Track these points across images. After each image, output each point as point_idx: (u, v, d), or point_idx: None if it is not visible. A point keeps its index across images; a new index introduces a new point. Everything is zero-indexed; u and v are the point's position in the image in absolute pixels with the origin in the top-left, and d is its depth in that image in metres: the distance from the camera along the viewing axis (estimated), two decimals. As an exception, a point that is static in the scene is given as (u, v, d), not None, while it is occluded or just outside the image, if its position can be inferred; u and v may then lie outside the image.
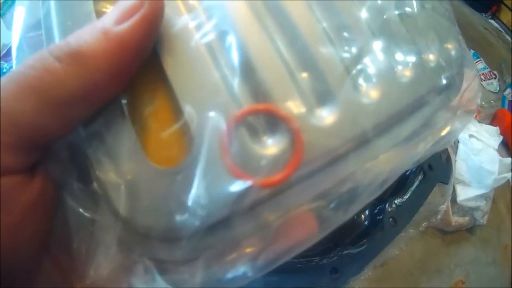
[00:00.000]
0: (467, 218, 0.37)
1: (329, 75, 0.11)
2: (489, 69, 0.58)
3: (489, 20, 0.73)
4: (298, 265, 0.24)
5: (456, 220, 0.37)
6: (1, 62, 0.43)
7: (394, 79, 0.12)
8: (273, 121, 0.10)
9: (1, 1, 0.45)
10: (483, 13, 0.73)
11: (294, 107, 0.10)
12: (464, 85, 0.14)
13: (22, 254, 0.09)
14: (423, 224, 0.33)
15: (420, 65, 0.12)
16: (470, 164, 0.37)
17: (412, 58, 0.12)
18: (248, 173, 0.10)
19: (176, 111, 0.10)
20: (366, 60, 0.11)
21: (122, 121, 0.10)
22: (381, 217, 0.28)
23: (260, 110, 0.10)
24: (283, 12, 0.11)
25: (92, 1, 0.11)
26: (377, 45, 0.12)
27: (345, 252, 0.25)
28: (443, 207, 0.34)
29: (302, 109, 0.10)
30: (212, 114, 0.10)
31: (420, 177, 0.32)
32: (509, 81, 0.60)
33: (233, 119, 0.10)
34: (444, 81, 0.13)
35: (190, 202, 0.09)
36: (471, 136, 0.39)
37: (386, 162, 0.11)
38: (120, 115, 0.10)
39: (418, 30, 0.13)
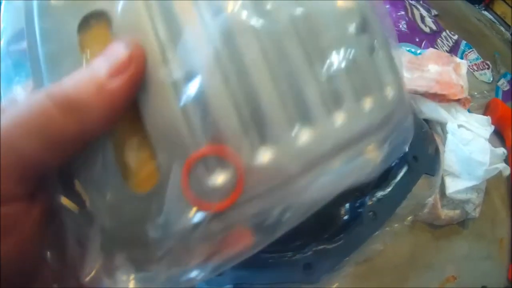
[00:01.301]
0: (457, 211, 0.36)
1: (272, 123, 0.13)
2: (481, 60, 0.57)
3: (483, 12, 0.72)
4: (269, 260, 0.23)
5: (446, 213, 0.35)
6: None
7: (328, 123, 0.14)
8: (221, 159, 0.13)
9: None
10: (476, 5, 0.71)
11: (240, 147, 0.13)
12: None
13: (24, 265, 0.12)
14: (409, 218, 0.32)
15: (354, 109, 0.14)
16: (460, 155, 0.36)
17: (347, 103, 0.14)
18: (201, 200, 0.13)
19: (149, 147, 0.13)
20: (306, 105, 0.14)
21: (106, 154, 0.13)
22: (361, 210, 0.26)
23: (212, 152, 0.13)
24: (243, 69, 0.13)
25: (76, 35, 0.14)
26: (315, 91, 0.14)
27: (320, 247, 0.23)
28: (430, 200, 0.33)
29: (247, 149, 0.13)
30: (176, 153, 0.13)
31: (404, 169, 0.30)
32: (503, 71, 0.58)
33: (192, 159, 0.13)
34: (377, 121, 0.15)
35: (159, 221, 0.13)
36: (460, 126, 0.38)
37: (315, 190, 0.14)
38: (104, 149, 0.13)
39: (359, 79, 0.15)
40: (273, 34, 0.14)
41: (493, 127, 0.39)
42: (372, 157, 0.15)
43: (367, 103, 0.15)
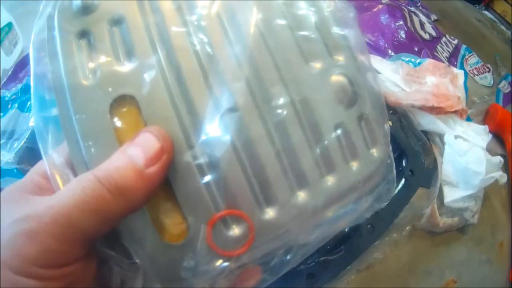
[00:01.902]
0: (456, 219, 0.38)
1: (276, 190, 0.17)
2: (482, 63, 0.57)
3: (483, 11, 0.72)
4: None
5: (445, 221, 0.37)
6: (3, 90, 0.44)
7: (321, 184, 0.18)
8: (237, 218, 0.17)
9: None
10: (476, 5, 0.72)
11: (251, 209, 0.17)
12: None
13: None
14: (407, 228, 0.33)
15: (343, 171, 0.18)
16: (456, 166, 0.37)
17: (337, 167, 0.18)
18: (222, 249, 0.16)
19: (179, 211, 0.17)
20: (303, 173, 0.17)
21: (144, 219, 0.16)
22: (359, 223, 0.28)
23: (229, 214, 0.17)
24: (253, 152, 0.17)
25: (108, 115, 0.16)
26: (311, 161, 0.18)
27: (322, 258, 0.26)
28: (427, 210, 0.35)
29: (256, 210, 0.17)
30: (201, 216, 0.16)
31: (401, 183, 0.32)
32: (504, 73, 0.59)
33: (213, 219, 0.16)
34: (363, 178, 0.18)
35: (189, 265, 0.16)
36: (457, 137, 0.39)
37: (312, 235, 0.18)
38: (142, 215, 0.16)
39: (348, 146, 0.18)
40: (278, 122, 0.17)
41: (490, 136, 0.41)
42: (359, 207, 0.18)
43: (355, 165, 0.18)
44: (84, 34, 0.17)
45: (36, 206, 0.13)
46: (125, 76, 0.16)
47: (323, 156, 0.18)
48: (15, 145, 0.38)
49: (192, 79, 0.17)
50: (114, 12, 0.17)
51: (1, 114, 0.41)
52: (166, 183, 0.16)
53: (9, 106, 0.42)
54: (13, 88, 0.45)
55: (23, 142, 0.38)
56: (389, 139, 0.19)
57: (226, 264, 0.16)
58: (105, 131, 0.16)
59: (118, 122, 0.16)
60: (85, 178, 0.14)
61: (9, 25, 0.49)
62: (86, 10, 0.17)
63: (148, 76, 0.16)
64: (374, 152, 0.19)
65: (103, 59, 0.16)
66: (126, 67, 0.16)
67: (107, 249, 0.16)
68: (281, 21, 0.18)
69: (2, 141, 0.38)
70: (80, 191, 0.14)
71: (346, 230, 0.31)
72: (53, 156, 0.16)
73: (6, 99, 0.43)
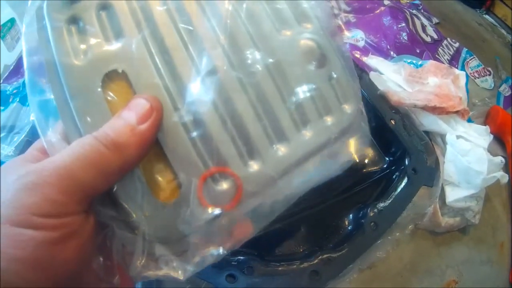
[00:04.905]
0: (458, 219, 0.38)
1: (258, 145, 0.19)
2: (483, 66, 0.58)
3: (484, 15, 0.72)
4: (280, 268, 0.25)
5: (447, 221, 0.37)
6: (4, 84, 0.44)
7: (299, 138, 0.20)
8: (225, 174, 0.18)
9: (1, 23, 0.47)
10: (477, 9, 0.72)
11: (236, 163, 0.19)
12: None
13: (80, 264, 0.15)
14: (410, 227, 0.33)
15: (319, 125, 0.20)
16: (458, 165, 0.37)
17: (312, 122, 0.20)
18: (212, 204, 0.18)
19: (171, 170, 0.18)
20: (281, 128, 0.19)
21: (139, 178, 0.17)
22: (363, 221, 0.28)
23: (217, 171, 0.18)
24: (233, 107, 0.19)
25: (101, 90, 0.17)
26: (287, 118, 0.19)
27: (326, 256, 0.26)
28: (430, 209, 0.35)
29: (241, 164, 0.19)
30: (192, 173, 0.18)
31: (404, 181, 0.32)
32: (505, 76, 0.59)
33: (203, 177, 0.18)
34: (339, 131, 0.20)
35: (185, 220, 0.17)
36: (459, 137, 0.39)
37: (294, 186, 0.19)
38: (137, 175, 0.17)
39: (321, 102, 0.20)
40: (254, 82, 0.19)
41: (491, 136, 0.41)
42: (338, 160, 0.20)
43: (329, 119, 0.20)
44: (73, 20, 0.18)
45: (37, 164, 0.14)
46: (114, 54, 0.18)
47: (298, 111, 0.20)
48: (15, 139, 0.38)
49: (175, 50, 0.18)
50: None
51: (2, 108, 0.41)
52: (157, 145, 0.17)
53: (11, 99, 0.42)
54: (15, 83, 0.45)
55: (23, 135, 0.38)
56: (360, 96, 0.21)
57: (218, 212, 0.17)
58: (99, 104, 0.17)
59: (110, 95, 0.17)
60: (83, 138, 0.15)
61: (12, 21, 0.49)
62: None
63: (135, 52, 0.18)
64: (347, 107, 0.21)
65: (93, 41, 0.18)
66: (115, 45, 0.18)
67: (107, 209, 0.16)
68: None
69: (2, 135, 0.38)
70: (79, 147, 0.15)
71: (349, 228, 0.31)
72: (49, 134, 0.17)
73: (8, 93, 0.43)
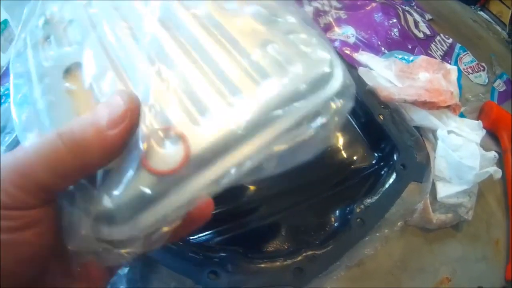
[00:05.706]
0: (450, 215, 0.37)
1: (206, 99, 0.18)
2: (476, 62, 0.57)
3: (479, 12, 0.72)
4: (262, 265, 0.25)
5: (438, 217, 0.36)
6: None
7: (258, 91, 0.18)
8: (173, 135, 0.17)
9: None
10: (472, 6, 0.72)
11: (184, 123, 0.17)
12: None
13: (42, 253, 0.15)
14: (399, 224, 0.33)
15: (282, 75, 0.18)
16: (450, 161, 0.37)
17: (273, 73, 0.18)
18: (158, 168, 0.16)
19: None
20: (231, 82, 0.18)
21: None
22: (349, 217, 0.28)
23: (161, 130, 0.17)
24: (175, 70, 0.19)
25: (63, 83, 0.19)
26: (238, 71, 0.18)
27: (310, 253, 0.25)
28: (420, 205, 0.34)
29: (189, 124, 0.17)
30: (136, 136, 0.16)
31: (393, 177, 0.32)
32: (499, 72, 0.59)
33: (147, 137, 0.16)
34: (314, 79, 0.18)
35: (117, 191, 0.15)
36: (450, 132, 0.39)
37: (259, 149, 0.17)
38: None
39: (279, 54, 0.19)
40: (194, 43, 0.19)
41: (484, 131, 0.40)
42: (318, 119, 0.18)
43: (295, 68, 0.18)
44: (46, 38, 0.22)
45: (4, 157, 0.14)
46: (72, 52, 0.21)
47: (253, 67, 0.18)
48: (6, 139, 0.38)
49: (122, 35, 0.21)
50: (66, 18, 0.23)
51: (-6, 108, 0.41)
52: None
53: (2, 100, 0.42)
54: (7, 84, 0.45)
55: (14, 135, 0.38)
56: (328, 44, 0.20)
57: (157, 180, 0.15)
58: (61, 93, 0.19)
59: (71, 86, 0.19)
60: (48, 134, 0.15)
61: (5, 23, 0.49)
62: (47, 22, 0.23)
63: (89, 48, 0.21)
64: (311, 52, 0.19)
65: (58, 48, 0.22)
66: (73, 47, 0.21)
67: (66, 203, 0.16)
68: None
69: (-6, 134, 0.38)
70: (39, 143, 0.14)
71: (336, 224, 0.30)
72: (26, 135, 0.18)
73: (0, 93, 0.43)
